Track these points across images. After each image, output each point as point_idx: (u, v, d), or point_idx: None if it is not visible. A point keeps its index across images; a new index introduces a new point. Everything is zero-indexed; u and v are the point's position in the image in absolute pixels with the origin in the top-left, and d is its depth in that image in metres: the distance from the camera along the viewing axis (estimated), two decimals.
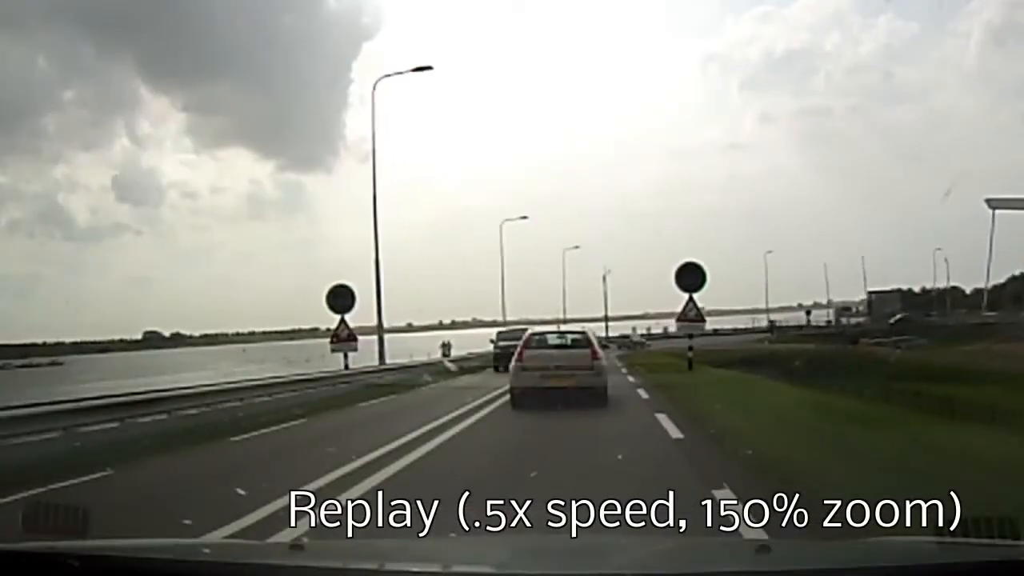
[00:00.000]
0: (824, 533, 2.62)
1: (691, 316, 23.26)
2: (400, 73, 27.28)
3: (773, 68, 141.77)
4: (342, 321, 24.00)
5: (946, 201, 61.70)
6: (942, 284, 75.06)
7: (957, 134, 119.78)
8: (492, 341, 29.11)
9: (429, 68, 26.13)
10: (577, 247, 60.05)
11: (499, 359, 25.57)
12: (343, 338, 23.84)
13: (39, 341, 75.85)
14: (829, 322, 70.32)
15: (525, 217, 46.85)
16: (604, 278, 65.24)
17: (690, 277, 23.25)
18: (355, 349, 23.67)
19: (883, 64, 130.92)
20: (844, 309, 74.38)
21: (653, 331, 68.57)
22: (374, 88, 26.87)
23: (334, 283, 24.49)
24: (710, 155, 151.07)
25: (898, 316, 62.49)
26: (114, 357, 67.51)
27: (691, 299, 23.03)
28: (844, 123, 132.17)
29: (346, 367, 22.70)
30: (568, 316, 54.76)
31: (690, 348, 23.72)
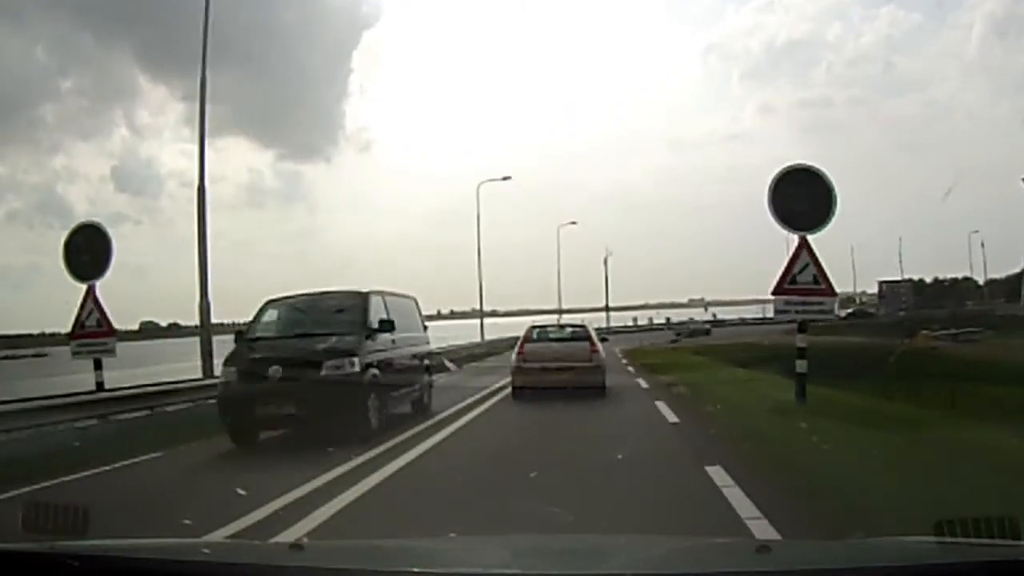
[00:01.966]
0: (824, 533, 2.61)
1: (806, 283, 10.73)
2: None
3: (774, 59, 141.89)
4: (89, 296, 12.88)
5: (947, 200, 60.96)
6: (957, 274, 74.40)
7: (958, 126, 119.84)
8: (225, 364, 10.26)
9: None
10: (574, 223, 58.33)
11: (235, 410, 9.46)
12: (90, 331, 12.88)
13: (35, 331, 75.73)
14: (861, 310, 68.60)
15: (508, 177, 43.11)
16: (605, 260, 63.06)
17: (804, 199, 10.76)
18: (111, 351, 12.90)
19: (885, 55, 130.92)
20: (848, 300, 73.53)
21: (655, 321, 67.85)
22: None
23: (77, 224, 13.44)
24: (710, 146, 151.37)
25: (849, 311, 60.12)
26: None
27: (805, 246, 10.79)
28: (845, 114, 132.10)
29: (99, 385, 12.50)
30: (568, 307, 53.97)
31: (801, 354, 10.66)
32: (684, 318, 69.01)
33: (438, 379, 18.30)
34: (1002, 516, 2.04)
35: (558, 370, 13.31)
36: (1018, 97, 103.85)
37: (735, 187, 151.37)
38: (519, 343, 14.54)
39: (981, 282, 73.91)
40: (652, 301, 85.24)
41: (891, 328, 37.70)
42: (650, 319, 70.46)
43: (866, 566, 1.90)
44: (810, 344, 10.77)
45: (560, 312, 48.84)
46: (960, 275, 74.53)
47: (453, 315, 79.99)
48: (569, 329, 15.28)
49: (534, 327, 15.34)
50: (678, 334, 52.34)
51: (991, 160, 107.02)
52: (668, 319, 67.93)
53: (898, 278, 72.55)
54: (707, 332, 54.21)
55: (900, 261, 73.36)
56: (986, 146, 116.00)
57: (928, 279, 78.10)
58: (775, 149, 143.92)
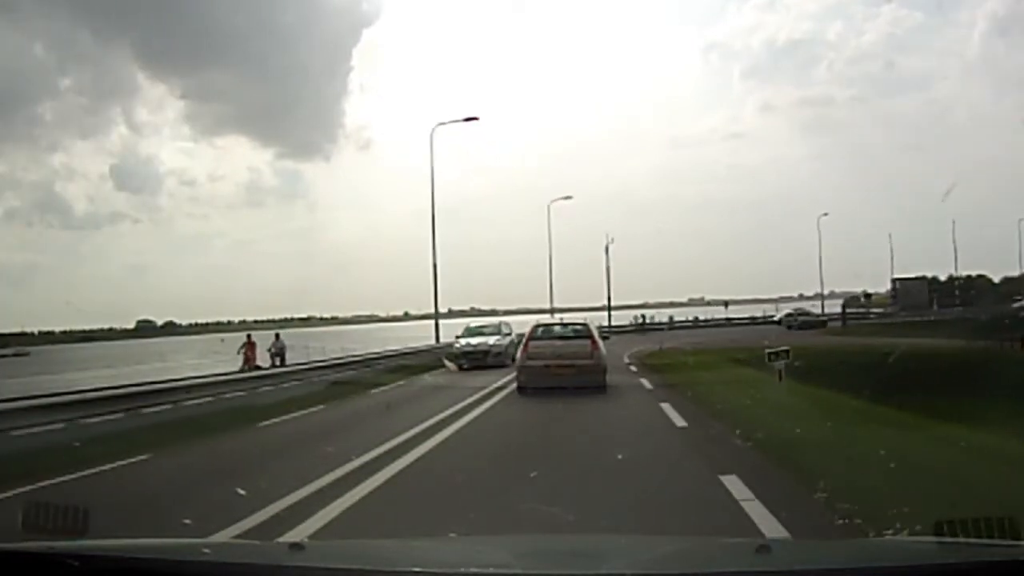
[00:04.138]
0: (824, 533, 2.62)
1: None
2: None
3: (775, 57, 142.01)
4: None
5: (947, 200, 59.95)
6: (969, 272, 72.34)
7: (960, 124, 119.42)
8: None
9: None
10: (570, 197, 50.72)
11: None
12: None
13: (30, 330, 75.67)
14: (800, 311, 64.24)
15: (474, 118, 32.42)
16: (607, 249, 58.02)
17: None
18: None
19: (886, 53, 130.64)
20: (853, 299, 72.48)
21: (656, 320, 65.97)
22: None
23: None
24: (711, 144, 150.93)
25: (787, 312, 57.19)
26: (88, 347, 65.85)
27: None
28: (846, 112, 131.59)
29: None
30: (567, 305, 51.80)
31: None
32: (689, 316, 67.48)
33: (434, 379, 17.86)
34: (1002, 516, 2.04)
35: (560, 367, 13.78)
36: (1019, 95, 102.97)
37: (736, 186, 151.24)
38: (523, 342, 14.95)
39: (996, 280, 72.02)
40: (651, 300, 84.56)
41: (981, 328, 29.69)
42: (652, 317, 69.04)
43: (866, 566, 1.91)
44: (916, 348, 7.68)
45: (553, 311, 47.16)
46: (974, 273, 72.66)
47: (451, 314, 79.60)
48: (571, 327, 15.73)
49: (538, 325, 15.85)
50: (789, 326, 47.18)
51: (993, 158, 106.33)
52: (671, 317, 65.97)
53: (911, 275, 69.60)
54: (824, 324, 47.95)
55: (955, 254, 64.12)
56: (988, 144, 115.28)
57: (918, 276, 76.10)
58: (776, 147, 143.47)
